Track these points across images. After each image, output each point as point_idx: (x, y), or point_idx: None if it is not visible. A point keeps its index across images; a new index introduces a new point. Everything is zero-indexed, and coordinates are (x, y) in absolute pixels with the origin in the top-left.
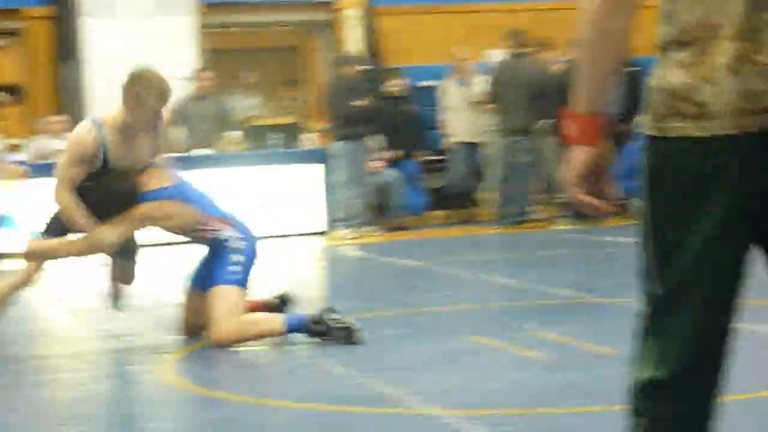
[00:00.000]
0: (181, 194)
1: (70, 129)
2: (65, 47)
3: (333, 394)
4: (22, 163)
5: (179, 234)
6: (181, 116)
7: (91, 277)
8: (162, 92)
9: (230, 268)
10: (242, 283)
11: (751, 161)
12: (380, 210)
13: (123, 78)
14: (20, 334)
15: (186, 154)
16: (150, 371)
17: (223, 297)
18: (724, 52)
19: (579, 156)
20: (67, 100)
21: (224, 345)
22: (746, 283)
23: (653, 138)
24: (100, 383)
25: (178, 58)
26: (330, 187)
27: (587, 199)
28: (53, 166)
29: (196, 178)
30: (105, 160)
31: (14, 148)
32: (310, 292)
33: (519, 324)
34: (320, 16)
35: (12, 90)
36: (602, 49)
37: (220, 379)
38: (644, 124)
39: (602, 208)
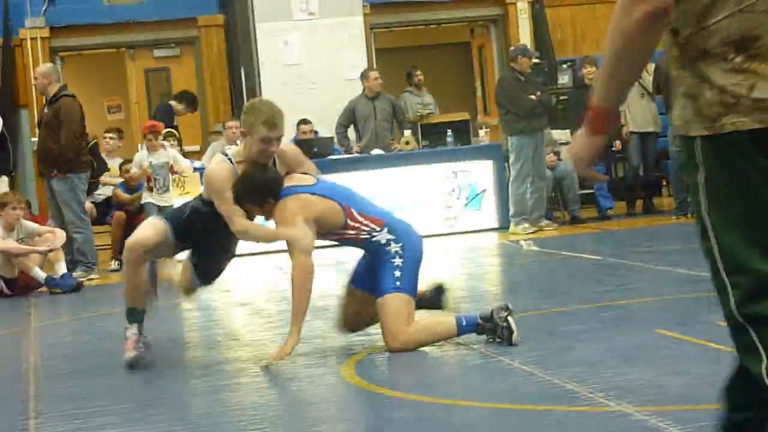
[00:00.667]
0: (328, 190)
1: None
2: (239, 53)
3: (518, 392)
4: (197, 169)
5: (331, 237)
6: (353, 117)
7: (273, 280)
8: (270, 118)
9: (396, 273)
10: (408, 289)
11: None
12: (558, 203)
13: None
14: (207, 338)
15: (359, 155)
16: (333, 373)
17: (393, 307)
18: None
19: (596, 142)
20: (242, 106)
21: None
22: None
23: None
24: (284, 387)
25: (348, 60)
26: (505, 182)
27: (593, 173)
28: None
29: (369, 178)
30: None
31: (190, 155)
32: (488, 288)
33: (705, 316)
34: (492, 11)
35: (187, 97)
36: (634, 60)
37: (401, 380)
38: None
39: (603, 179)
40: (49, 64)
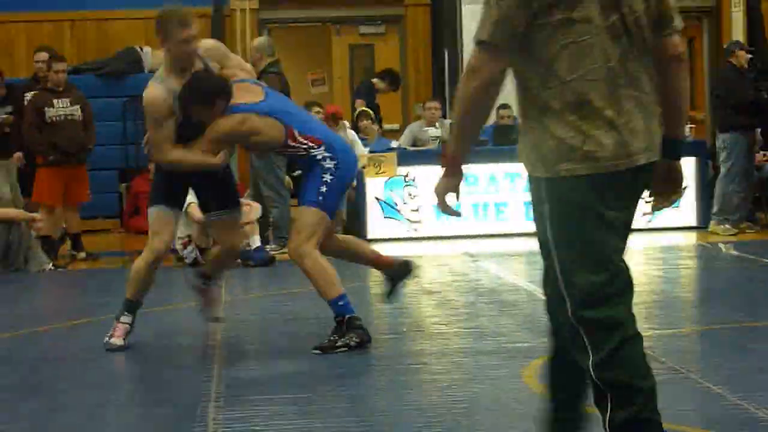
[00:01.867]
0: (270, 108)
1: (442, 116)
2: (443, 34)
3: (702, 414)
4: (392, 149)
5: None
6: None
7: (463, 269)
8: (181, 17)
9: (322, 189)
10: (328, 207)
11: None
12: (762, 205)
13: None
14: (392, 327)
15: None
16: (514, 376)
17: (304, 219)
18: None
19: (453, 182)
20: (443, 87)
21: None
22: None
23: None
24: (464, 387)
25: None
26: (707, 180)
27: (450, 209)
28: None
29: None
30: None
31: (388, 134)
32: (681, 294)
33: None
34: (705, 1)
35: (390, 75)
36: (477, 118)
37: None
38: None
39: (456, 214)
40: (263, 38)
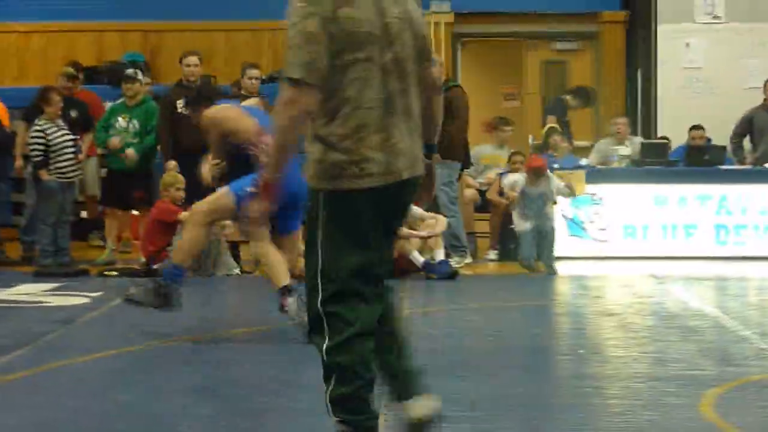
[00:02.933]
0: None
1: (632, 133)
2: (638, 51)
3: None
4: (582, 167)
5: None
6: (750, 127)
7: (646, 290)
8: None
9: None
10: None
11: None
12: None
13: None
14: (568, 348)
15: (752, 167)
16: (690, 405)
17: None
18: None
19: (268, 206)
20: (635, 105)
21: None
22: None
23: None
24: (637, 414)
25: (751, 67)
26: None
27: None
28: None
29: (763, 192)
30: None
31: (578, 151)
32: None
33: None
34: None
35: (582, 93)
36: (289, 146)
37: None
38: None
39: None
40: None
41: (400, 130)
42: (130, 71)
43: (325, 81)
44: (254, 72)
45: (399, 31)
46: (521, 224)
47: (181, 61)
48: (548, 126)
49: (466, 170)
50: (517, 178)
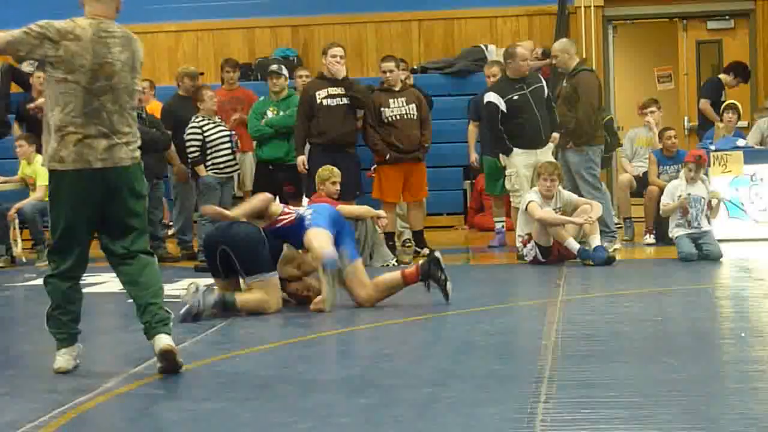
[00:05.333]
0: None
1: None
2: None
3: None
4: (738, 148)
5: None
6: None
7: None
8: None
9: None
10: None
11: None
12: None
13: None
14: (732, 332)
15: None
16: None
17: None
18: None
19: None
20: None
21: None
22: None
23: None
24: None
25: None
26: None
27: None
28: None
29: None
30: None
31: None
32: None
33: None
34: None
35: (737, 68)
36: None
37: None
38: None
39: None
40: (566, 40)
41: (96, 133)
42: (274, 67)
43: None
44: (387, 65)
45: None
46: (677, 231)
47: (324, 53)
48: (726, 102)
49: (623, 156)
50: (678, 184)
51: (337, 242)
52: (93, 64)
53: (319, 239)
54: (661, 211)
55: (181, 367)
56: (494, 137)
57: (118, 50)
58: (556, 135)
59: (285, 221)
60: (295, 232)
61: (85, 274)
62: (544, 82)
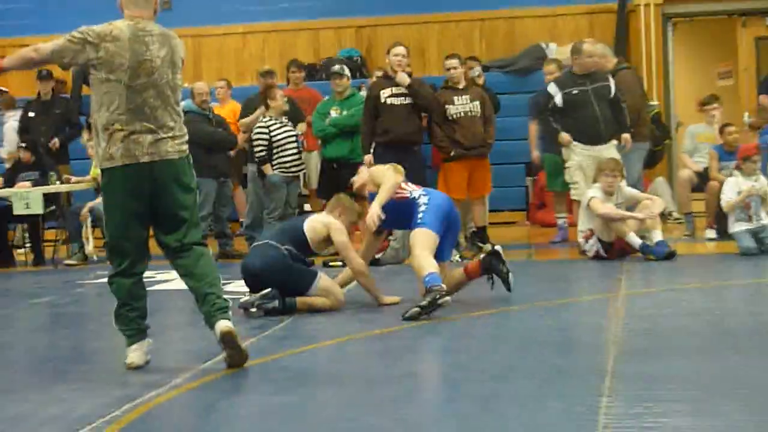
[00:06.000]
0: None
1: None
2: None
3: None
4: None
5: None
6: None
7: None
8: None
9: (420, 215)
10: (430, 224)
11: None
12: None
13: None
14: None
15: None
16: None
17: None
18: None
19: None
20: None
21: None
22: None
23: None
24: None
25: None
26: None
27: None
28: None
29: None
30: None
31: None
32: None
33: None
34: None
35: None
36: None
37: None
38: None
39: None
40: (600, 45)
41: (143, 130)
42: (336, 67)
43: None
44: (451, 62)
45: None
46: (736, 226)
47: (388, 53)
48: None
49: (683, 151)
50: (737, 180)
51: (441, 241)
52: (132, 62)
53: (422, 246)
54: (723, 207)
55: (246, 355)
56: (540, 123)
57: (156, 47)
58: (626, 136)
59: (398, 195)
60: (403, 211)
61: (154, 272)
62: (612, 82)
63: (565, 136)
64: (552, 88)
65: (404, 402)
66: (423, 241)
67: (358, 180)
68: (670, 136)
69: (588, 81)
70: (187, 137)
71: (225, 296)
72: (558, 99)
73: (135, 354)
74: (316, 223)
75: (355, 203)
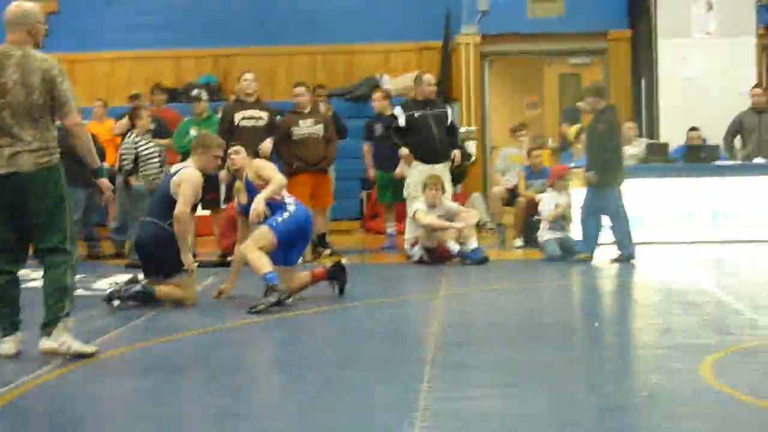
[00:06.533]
0: None
1: (638, 135)
2: (642, 64)
3: None
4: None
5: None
6: (740, 128)
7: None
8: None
9: (278, 219)
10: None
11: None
12: None
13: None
14: (584, 321)
15: (742, 162)
16: (690, 370)
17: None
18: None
19: None
20: (640, 111)
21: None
22: None
23: None
24: (644, 377)
25: (741, 76)
26: None
27: None
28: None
29: (752, 183)
30: None
31: None
32: None
33: None
34: None
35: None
36: None
37: (758, 386)
38: None
39: None
40: (584, 87)
41: (4, 146)
42: (194, 92)
43: None
44: (298, 90)
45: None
46: (547, 234)
47: (238, 79)
48: (578, 126)
49: (496, 171)
50: (551, 196)
51: (284, 247)
52: None
53: (256, 244)
54: (546, 218)
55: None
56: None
57: (11, 71)
58: (456, 152)
59: (276, 199)
60: (273, 211)
61: (30, 270)
62: (450, 110)
63: (405, 151)
64: (397, 110)
65: (249, 388)
66: (259, 240)
67: (237, 160)
68: (470, 158)
69: (428, 107)
70: (51, 150)
71: (60, 305)
72: (401, 120)
73: (7, 345)
74: (174, 182)
75: (216, 136)
